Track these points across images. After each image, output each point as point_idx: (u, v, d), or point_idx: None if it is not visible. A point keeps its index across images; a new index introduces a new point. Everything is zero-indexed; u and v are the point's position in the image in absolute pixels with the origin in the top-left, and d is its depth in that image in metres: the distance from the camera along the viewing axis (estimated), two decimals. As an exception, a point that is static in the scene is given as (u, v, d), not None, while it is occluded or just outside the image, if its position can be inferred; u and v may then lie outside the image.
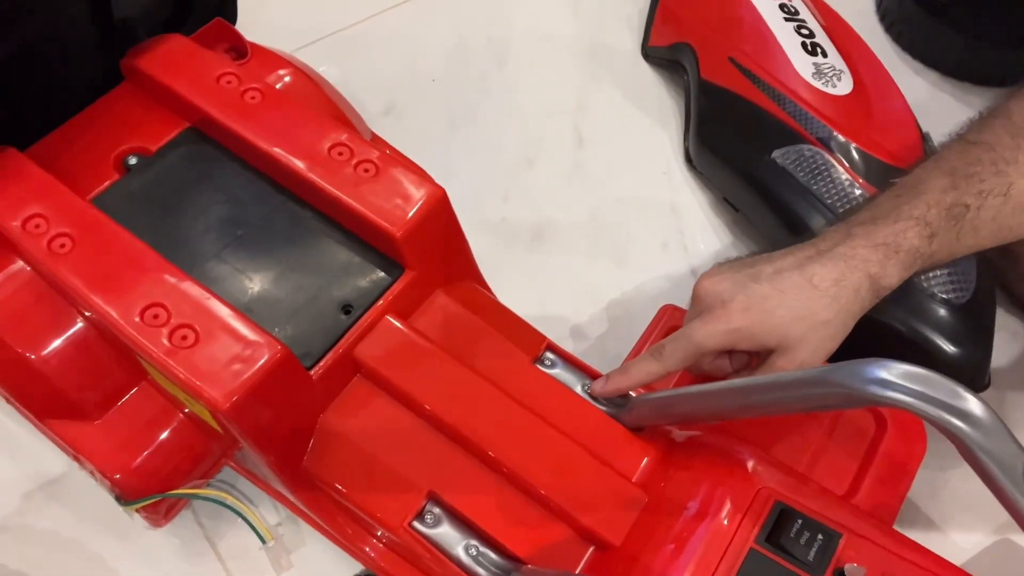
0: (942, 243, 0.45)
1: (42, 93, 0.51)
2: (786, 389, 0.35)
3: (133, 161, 0.50)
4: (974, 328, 0.55)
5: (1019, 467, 0.31)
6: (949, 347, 0.54)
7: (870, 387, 0.32)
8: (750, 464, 0.42)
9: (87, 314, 0.46)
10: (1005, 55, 0.74)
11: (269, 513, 0.53)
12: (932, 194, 0.45)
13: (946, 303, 0.55)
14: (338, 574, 0.51)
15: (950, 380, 0.32)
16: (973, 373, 0.55)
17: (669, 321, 0.57)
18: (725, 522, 0.39)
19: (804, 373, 0.35)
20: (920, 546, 0.39)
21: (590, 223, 0.68)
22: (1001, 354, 0.61)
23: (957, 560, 0.55)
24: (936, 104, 0.76)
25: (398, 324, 0.47)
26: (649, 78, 0.77)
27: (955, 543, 0.55)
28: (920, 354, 0.54)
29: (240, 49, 0.57)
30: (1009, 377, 0.61)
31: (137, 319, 0.41)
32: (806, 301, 0.44)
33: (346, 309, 0.46)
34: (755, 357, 0.47)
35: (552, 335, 0.50)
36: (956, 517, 0.56)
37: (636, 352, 0.56)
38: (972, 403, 0.31)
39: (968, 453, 0.31)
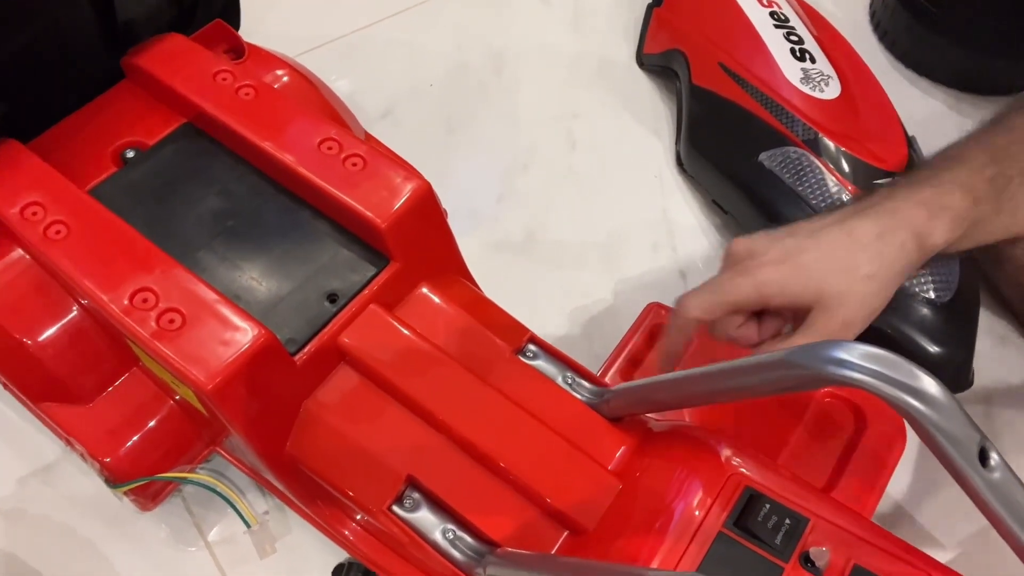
0: (982, 213, 0.42)
1: (46, 90, 0.53)
2: (750, 372, 0.36)
3: (130, 154, 0.52)
4: (956, 327, 0.56)
5: (974, 447, 0.31)
6: (931, 346, 0.55)
7: (829, 367, 0.33)
8: (722, 452, 0.42)
9: (82, 301, 0.47)
10: (997, 64, 0.75)
11: (257, 501, 0.54)
12: (973, 164, 0.43)
13: (928, 302, 0.55)
14: (322, 561, 0.52)
15: (907, 361, 0.32)
16: (955, 372, 0.56)
17: (655, 319, 0.58)
18: (695, 507, 0.40)
19: (766, 356, 0.35)
20: (889, 533, 0.39)
21: (582, 225, 0.69)
22: (987, 356, 0.61)
23: (941, 558, 0.55)
24: (929, 113, 0.76)
25: (383, 314, 0.48)
26: (643, 85, 0.78)
27: (939, 542, 0.55)
28: (902, 353, 0.54)
29: (238, 49, 0.59)
30: (995, 379, 0.61)
31: (126, 302, 0.43)
32: (847, 254, 0.40)
33: (332, 298, 0.47)
34: (788, 320, 0.43)
35: (541, 332, 0.51)
36: (941, 516, 0.56)
37: (620, 350, 0.57)
38: (928, 383, 0.32)
39: (924, 433, 0.32)
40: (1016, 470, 0.33)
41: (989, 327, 0.63)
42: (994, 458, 0.32)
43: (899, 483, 0.56)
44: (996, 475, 0.32)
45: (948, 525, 0.55)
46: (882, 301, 0.41)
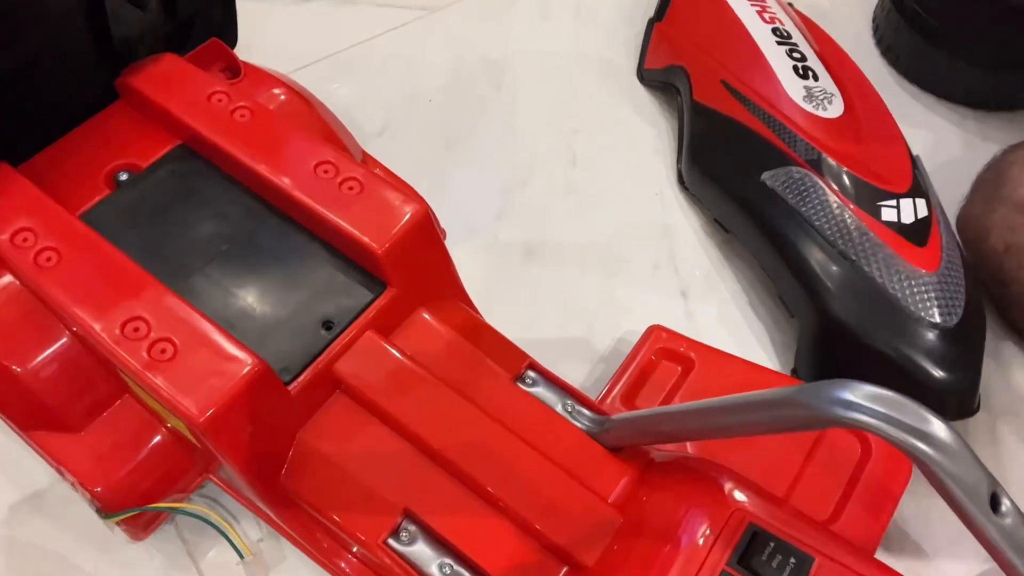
0: None
1: (37, 111, 0.52)
2: (753, 410, 0.35)
3: (123, 177, 0.51)
4: (963, 352, 0.55)
5: (984, 492, 0.31)
6: (937, 371, 0.54)
7: (835, 408, 0.32)
8: (725, 486, 0.41)
9: (73, 329, 0.47)
10: (1000, 79, 0.74)
11: (252, 529, 0.54)
12: None
13: (934, 326, 0.54)
14: (317, 591, 0.51)
15: (916, 403, 0.31)
16: (961, 398, 0.55)
17: (656, 342, 0.57)
18: (698, 544, 0.39)
19: (771, 393, 0.34)
20: (896, 572, 0.38)
21: (582, 243, 0.68)
22: (994, 380, 0.60)
23: (946, 588, 0.54)
24: (933, 129, 0.76)
25: (379, 341, 0.47)
26: (644, 101, 0.77)
27: (944, 573, 0.54)
28: (907, 378, 0.54)
29: (234, 68, 0.58)
30: (1001, 403, 0.60)
31: (117, 332, 0.42)
32: None
33: (327, 325, 0.47)
34: None
35: (540, 354, 0.50)
36: (946, 547, 0.55)
37: (622, 373, 0.56)
38: (937, 427, 0.31)
39: (933, 477, 0.31)
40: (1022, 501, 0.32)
41: (995, 350, 0.62)
42: (1006, 504, 0.31)
43: (903, 509, 0.55)
44: (1008, 521, 0.31)
45: (954, 553, 0.55)
46: None
